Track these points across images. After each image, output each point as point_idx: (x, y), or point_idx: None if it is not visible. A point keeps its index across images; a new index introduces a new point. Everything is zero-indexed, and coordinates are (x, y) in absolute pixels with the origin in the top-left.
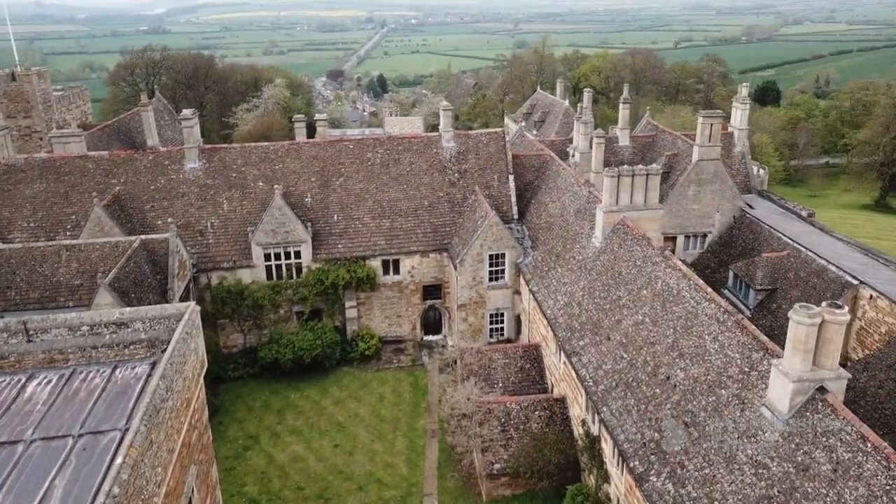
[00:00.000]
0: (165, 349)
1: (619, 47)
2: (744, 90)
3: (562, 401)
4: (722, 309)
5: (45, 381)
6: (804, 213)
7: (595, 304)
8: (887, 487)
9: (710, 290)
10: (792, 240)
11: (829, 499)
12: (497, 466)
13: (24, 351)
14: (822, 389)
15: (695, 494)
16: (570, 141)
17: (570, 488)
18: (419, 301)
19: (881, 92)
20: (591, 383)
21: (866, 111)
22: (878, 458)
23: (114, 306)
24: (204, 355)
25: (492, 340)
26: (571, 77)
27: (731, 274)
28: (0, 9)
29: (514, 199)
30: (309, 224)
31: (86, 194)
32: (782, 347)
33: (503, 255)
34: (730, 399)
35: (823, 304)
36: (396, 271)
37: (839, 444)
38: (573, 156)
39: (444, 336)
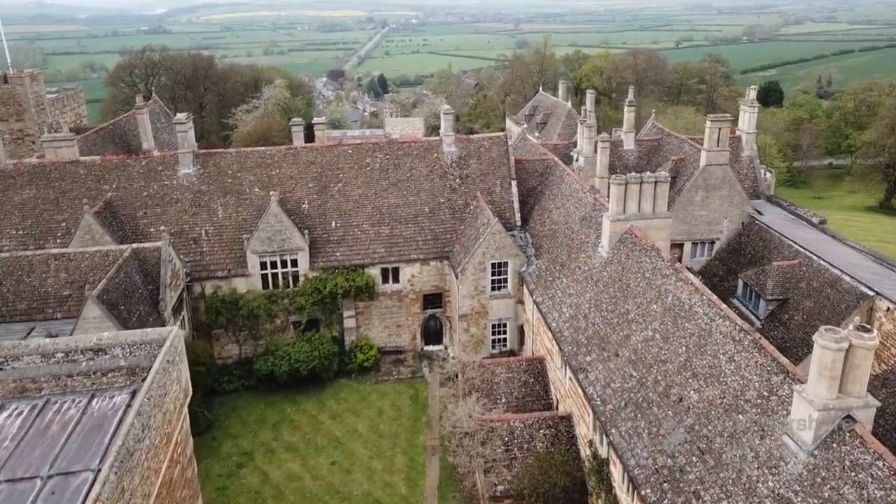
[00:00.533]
0: (146, 377)
1: (620, 47)
2: (752, 93)
3: (567, 418)
4: (738, 327)
5: (15, 412)
6: (815, 220)
7: (602, 317)
8: None
9: (724, 306)
10: (803, 248)
11: None
12: (500, 488)
13: None
14: (849, 418)
15: None
16: (574, 144)
17: None
18: (419, 310)
19: (885, 93)
20: (598, 402)
21: (870, 112)
22: None
23: (102, 320)
24: (188, 383)
25: (494, 351)
26: (573, 77)
27: (740, 283)
28: None
29: (517, 205)
30: (306, 231)
31: (76, 201)
32: (795, 361)
33: (506, 264)
34: (748, 425)
35: (850, 326)
36: (396, 280)
37: (870, 479)
38: (577, 160)
39: (445, 346)
